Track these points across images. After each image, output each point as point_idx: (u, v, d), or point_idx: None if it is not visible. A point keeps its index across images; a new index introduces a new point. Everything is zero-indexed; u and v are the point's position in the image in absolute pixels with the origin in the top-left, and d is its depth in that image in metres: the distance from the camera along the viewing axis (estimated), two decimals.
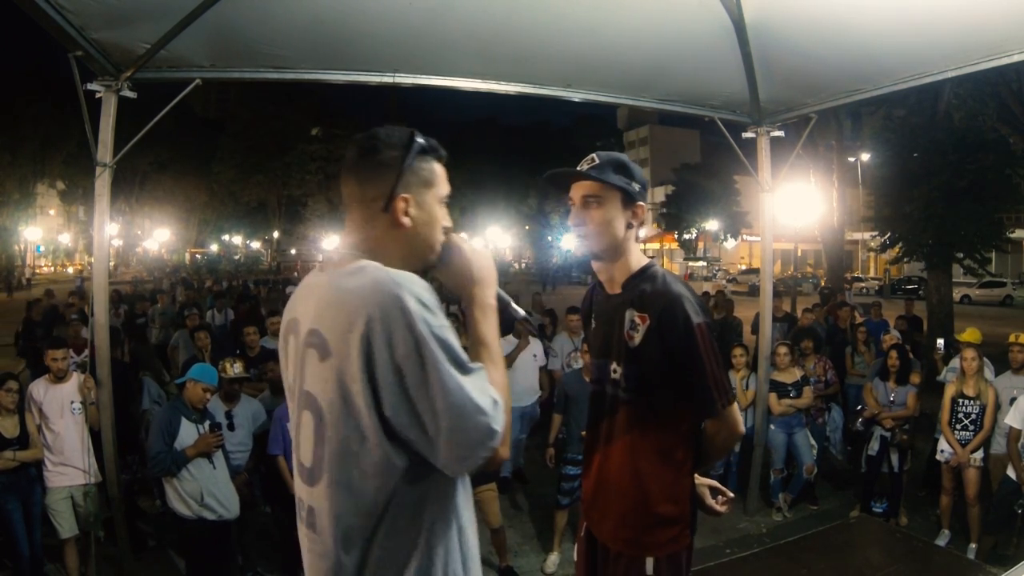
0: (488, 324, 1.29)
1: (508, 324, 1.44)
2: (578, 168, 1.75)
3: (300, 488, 1.22)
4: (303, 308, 1.24)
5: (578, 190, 1.77)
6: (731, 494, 1.87)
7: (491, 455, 1.13)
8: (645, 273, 1.77)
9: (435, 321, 1.10)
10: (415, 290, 1.12)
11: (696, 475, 1.81)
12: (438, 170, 1.31)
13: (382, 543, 1.14)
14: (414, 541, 1.16)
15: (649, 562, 1.71)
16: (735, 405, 1.72)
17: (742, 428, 1.77)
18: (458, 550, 1.22)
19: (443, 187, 1.32)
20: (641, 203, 1.78)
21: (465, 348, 1.19)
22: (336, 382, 1.11)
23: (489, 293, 1.32)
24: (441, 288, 1.36)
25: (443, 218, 1.32)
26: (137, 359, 5.97)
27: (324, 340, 1.14)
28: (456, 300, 1.34)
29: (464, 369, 1.11)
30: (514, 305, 1.48)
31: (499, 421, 1.12)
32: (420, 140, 1.27)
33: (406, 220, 1.25)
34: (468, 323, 1.31)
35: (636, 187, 1.75)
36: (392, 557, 1.15)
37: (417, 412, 1.08)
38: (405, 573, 1.15)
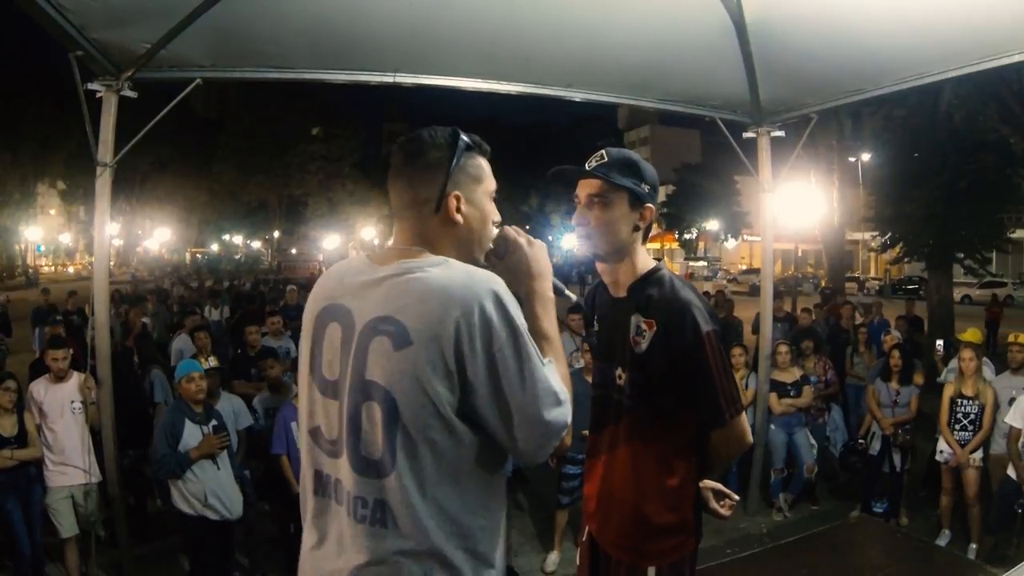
0: (549, 318, 1.32)
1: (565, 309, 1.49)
2: (587, 164, 1.69)
3: (358, 483, 1.16)
4: (354, 296, 1.21)
5: (584, 188, 1.71)
6: (736, 497, 1.82)
7: (561, 443, 1.20)
8: (652, 277, 1.72)
9: (521, 319, 1.17)
10: (505, 287, 1.18)
11: (702, 479, 1.78)
12: (485, 166, 1.32)
13: (462, 526, 1.17)
14: (484, 525, 1.20)
15: (651, 571, 1.69)
16: (743, 415, 1.67)
17: (750, 438, 1.72)
18: (504, 538, 1.27)
19: (491, 182, 1.33)
20: (650, 205, 1.71)
21: None
22: (414, 370, 1.11)
23: (547, 286, 1.35)
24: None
25: (492, 213, 1.34)
26: (143, 357, 5.98)
27: (404, 329, 1.12)
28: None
29: (543, 363, 1.18)
30: (567, 291, 1.50)
31: (570, 412, 1.20)
32: (465, 137, 1.28)
33: (459, 217, 1.26)
34: (529, 317, 1.28)
35: (645, 188, 1.69)
36: (466, 540, 1.17)
37: (505, 401, 1.13)
38: (478, 556, 1.18)
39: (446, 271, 1.17)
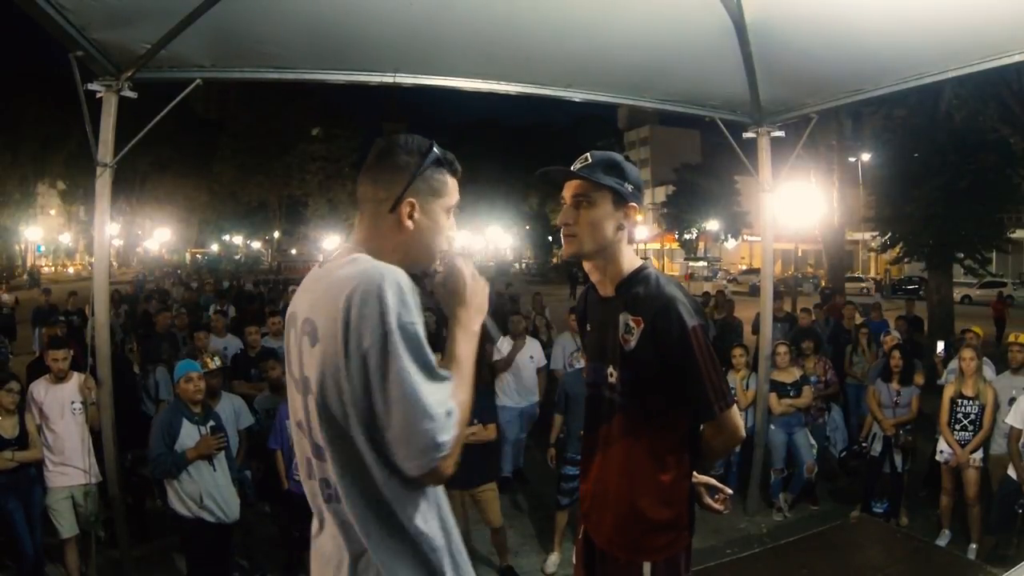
0: (466, 346, 1.31)
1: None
2: (572, 167, 1.73)
3: (318, 467, 1.25)
4: (301, 301, 1.30)
5: (569, 189, 1.74)
6: (730, 491, 1.85)
7: (436, 466, 1.13)
8: (638, 275, 1.75)
9: (408, 317, 1.13)
10: (398, 283, 1.15)
11: (694, 473, 1.80)
12: (449, 182, 1.36)
13: (395, 512, 1.19)
14: (420, 514, 1.22)
15: (646, 567, 1.70)
16: (734, 408, 1.69)
17: (742, 431, 1.74)
18: (454, 531, 1.29)
19: (452, 198, 1.37)
20: (633, 204, 1.74)
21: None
22: (323, 365, 1.16)
23: (476, 320, 1.34)
24: (430, 295, 1.38)
25: (449, 227, 1.38)
26: (148, 355, 5.99)
27: (315, 327, 1.19)
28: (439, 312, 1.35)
29: (430, 373, 1.14)
30: (495, 335, 1.47)
31: (448, 432, 1.13)
32: (437, 151, 1.32)
33: (409, 223, 1.31)
34: (448, 339, 1.32)
35: (628, 188, 1.72)
36: (407, 527, 1.20)
37: (372, 402, 1.13)
38: (417, 543, 1.21)
39: (351, 268, 1.20)
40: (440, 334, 1.31)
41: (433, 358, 1.16)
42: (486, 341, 1.44)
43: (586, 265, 1.82)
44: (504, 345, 5.57)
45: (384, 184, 1.30)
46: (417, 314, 1.16)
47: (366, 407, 1.14)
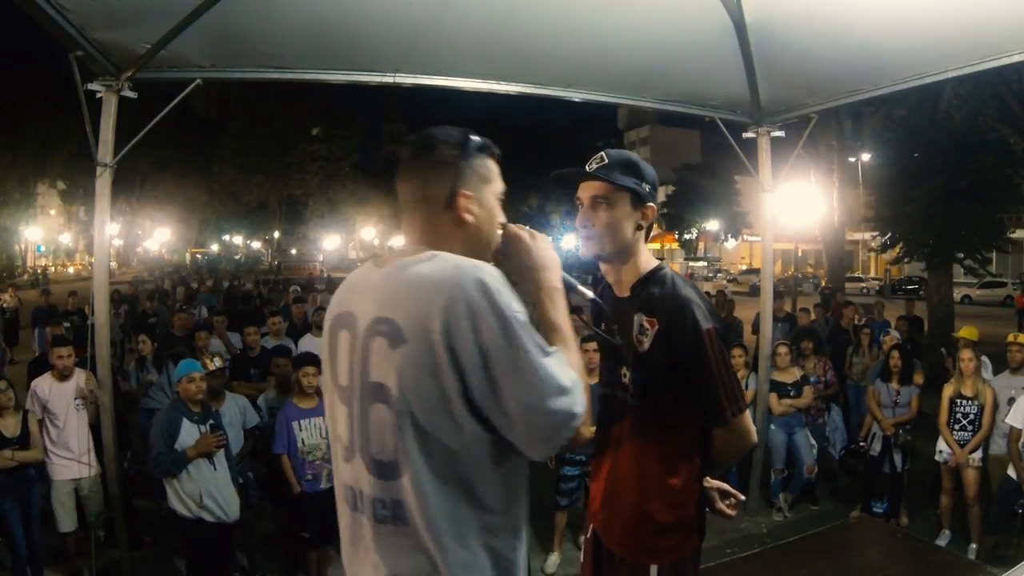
0: (557, 308, 1.29)
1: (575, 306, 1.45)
2: (587, 166, 1.70)
3: (375, 485, 1.17)
4: (359, 300, 1.22)
5: (586, 190, 1.71)
6: (741, 496, 1.83)
7: (573, 436, 1.14)
8: (654, 276, 1.73)
9: (516, 306, 1.12)
10: (497, 275, 1.14)
11: (707, 478, 1.79)
12: (494, 167, 1.32)
13: (479, 525, 1.15)
14: (506, 523, 1.19)
15: (653, 569, 1.69)
16: (746, 413, 1.67)
17: (754, 437, 1.72)
18: (525, 536, 1.25)
19: (499, 184, 1.33)
20: (651, 204, 1.73)
21: None
22: (415, 368, 1.10)
23: (554, 277, 1.32)
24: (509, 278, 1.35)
25: (500, 214, 1.34)
26: (163, 351, 6.00)
27: (397, 327, 1.12)
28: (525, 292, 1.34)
29: (545, 352, 1.12)
30: (580, 287, 1.50)
31: (580, 402, 1.13)
32: (476, 138, 1.28)
33: (469, 217, 1.26)
34: (537, 309, 1.29)
35: (646, 188, 1.70)
36: (488, 538, 1.16)
37: (502, 395, 1.09)
38: (502, 555, 1.18)
39: (434, 265, 1.15)
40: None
41: (542, 338, 1.15)
42: (570, 292, 1.44)
43: (603, 266, 1.80)
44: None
45: (432, 181, 1.24)
46: (519, 302, 1.14)
47: (490, 403, 1.10)
